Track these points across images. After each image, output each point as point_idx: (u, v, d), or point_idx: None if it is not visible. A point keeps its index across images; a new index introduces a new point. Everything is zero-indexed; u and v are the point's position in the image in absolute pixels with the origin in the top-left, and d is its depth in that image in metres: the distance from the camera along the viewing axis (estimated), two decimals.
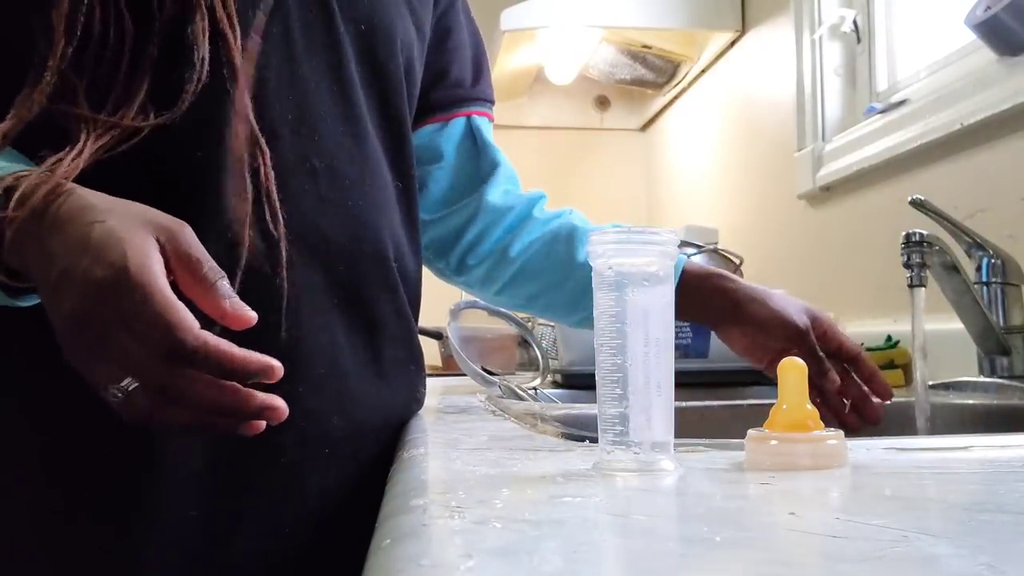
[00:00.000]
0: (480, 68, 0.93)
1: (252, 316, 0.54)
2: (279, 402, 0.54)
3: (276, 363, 0.53)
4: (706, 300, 0.90)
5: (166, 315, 0.50)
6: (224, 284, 0.54)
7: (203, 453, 0.67)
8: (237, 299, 0.54)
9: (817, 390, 0.86)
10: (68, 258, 0.52)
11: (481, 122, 0.94)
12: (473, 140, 0.94)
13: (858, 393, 0.89)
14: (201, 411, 0.53)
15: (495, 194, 0.95)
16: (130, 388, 0.51)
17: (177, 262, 0.53)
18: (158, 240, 0.53)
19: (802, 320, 0.88)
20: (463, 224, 0.95)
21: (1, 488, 0.67)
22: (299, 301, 0.70)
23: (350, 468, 0.74)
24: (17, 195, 0.54)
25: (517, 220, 0.96)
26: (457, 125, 0.92)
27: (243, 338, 0.54)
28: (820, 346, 0.87)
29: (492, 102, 0.95)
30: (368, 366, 0.76)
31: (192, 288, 0.54)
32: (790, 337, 0.87)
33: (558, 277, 0.95)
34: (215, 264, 0.54)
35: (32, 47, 0.62)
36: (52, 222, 0.54)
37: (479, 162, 0.94)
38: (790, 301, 0.90)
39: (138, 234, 0.53)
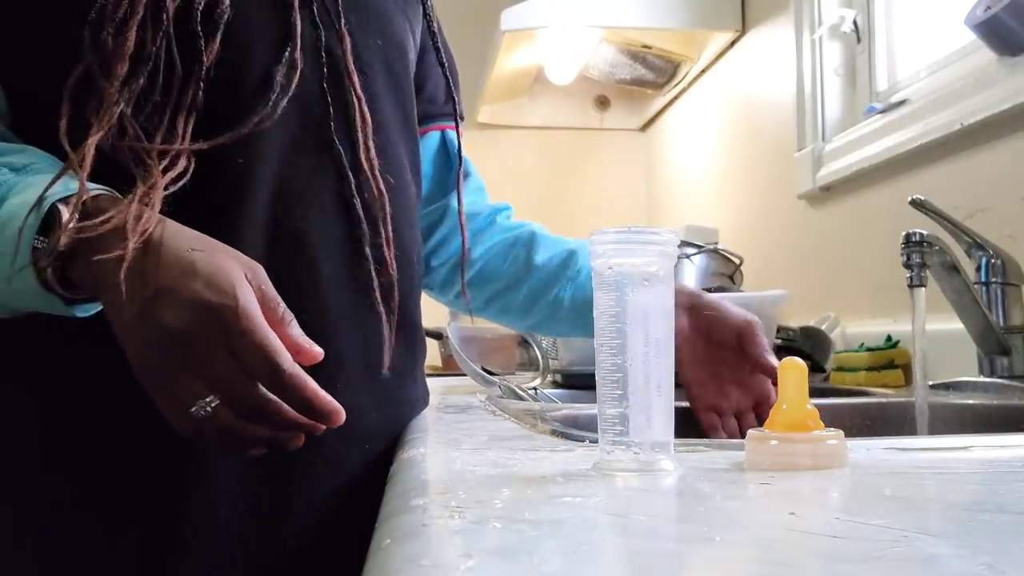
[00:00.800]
0: (452, 85, 0.95)
1: (320, 352, 0.60)
2: (339, 406, 0.59)
3: (341, 409, 0.59)
4: None
5: (271, 345, 0.56)
6: (296, 324, 0.59)
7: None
8: (307, 338, 0.60)
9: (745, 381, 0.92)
10: (171, 278, 0.56)
11: (453, 135, 0.98)
12: (446, 152, 0.98)
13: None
14: (277, 427, 0.58)
15: (466, 202, 0.98)
16: (213, 404, 0.56)
17: (261, 298, 0.58)
18: (245, 276, 0.58)
19: (752, 316, 0.92)
20: (429, 228, 0.99)
21: (45, 488, 0.68)
22: (337, 303, 0.73)
23: (386, 465, 0.75)
24: (111, 224, 0.57)
25: (481, 226, 1.01)
26: (432, 138, 0.96)
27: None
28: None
29: (463, 118, 0.98)
30: (403, 365, 0.79)
31: (271, 323, 0.58)
32: (740, 325, 0.91)
33: (514, 279, 0.99)
34: (286, 306, 0.59)
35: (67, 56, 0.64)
36: (145, 242, 0.57)
37: (450, 172, 0.98)
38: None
39: (238, 268, 0.57)
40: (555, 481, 0.45)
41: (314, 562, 0.72)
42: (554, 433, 0.66)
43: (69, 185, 0.59)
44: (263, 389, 0.56)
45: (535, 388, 1.24)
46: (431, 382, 0.91)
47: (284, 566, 0.70)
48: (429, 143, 0.96)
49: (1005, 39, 1.16)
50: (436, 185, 0.99)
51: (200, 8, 0.66)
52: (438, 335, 1.64)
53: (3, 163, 0.61)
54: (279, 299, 0.59)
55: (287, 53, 0.70)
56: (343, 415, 0.59)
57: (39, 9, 0.66)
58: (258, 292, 0.58)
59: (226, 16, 0.67)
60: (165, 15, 0.65)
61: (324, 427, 0.60)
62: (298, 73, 0.70)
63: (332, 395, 0.60)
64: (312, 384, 0.58)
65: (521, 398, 1.13)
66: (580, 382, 1.34)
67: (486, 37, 2.38)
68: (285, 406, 0.57)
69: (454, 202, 0.98)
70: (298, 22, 0.71)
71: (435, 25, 0.92)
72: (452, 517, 0.37)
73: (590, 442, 0.59)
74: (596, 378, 0.50)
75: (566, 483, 0.45)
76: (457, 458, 0.54)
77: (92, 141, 0.60)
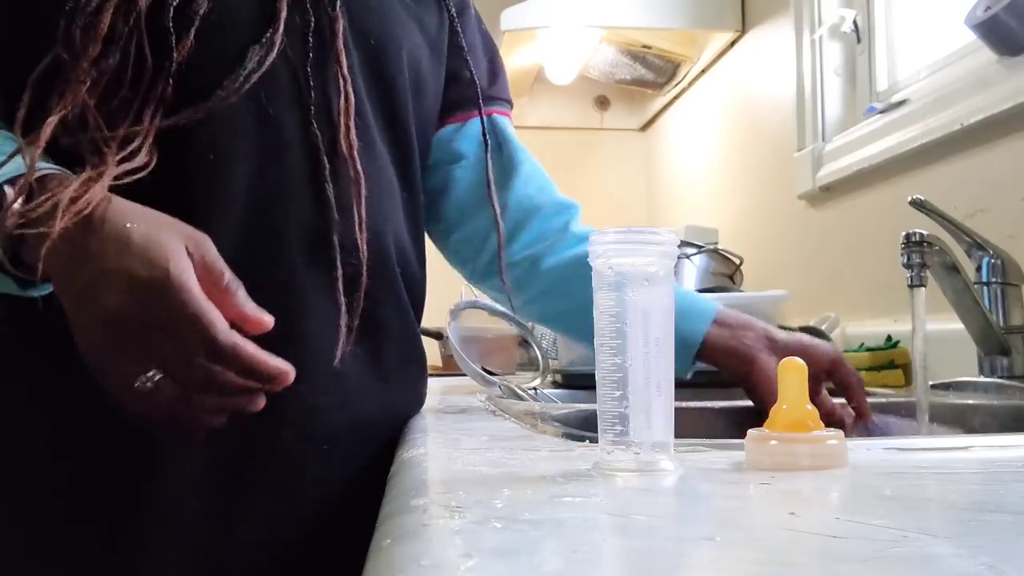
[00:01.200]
0: (496, 71, 0.93)
1: (270, 320, 0.59)
2: (286, 365, 0.59)
3: (290, 368, 0.58)
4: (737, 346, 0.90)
5: (205, 316, 0.55)
6: (243, 292, 0.59)
7: (204, 446, 0.68)
8: (254, 305, 0.59)
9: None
10: (109, 257, 0.56)
11: (502, 121, 0.94)
12: (495, 138, 0.92)
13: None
14: (227, 394, 0.58)
15: (521, 193, 0.93)
16: (156, 379, 0.56)
17: (203, 270, 0.57)
18: (186, 247, 0.57)
19: (831, 349, 0.90)
20: (489, 225, 0.91)
21: (6, 483, 0.68)
22: (304, 301, 0.72)
23: (351, 464, 0.75)
24: (47, 205, 0.56)
25: (549, 228, 0.94)
26: (475, 124, 0.91)
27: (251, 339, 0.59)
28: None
29: (511, 103, 0.95)
30: (369, 365, 0.77)
31: (214, 294, 0.57)
32: (833, 356, 0.89)
33: (590, 303, 0.92)
34: (233, 274, 0.58)
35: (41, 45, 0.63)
36: (85, 222, 0.56)
37: (501, 160, 0.93)
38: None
39: (174, 240, 0.57)
40: (555, 481, 0.45)
41: (269, 563, 0.71)
42: (554, 433, 0.66)
43: (23, 167, 0.59)
44: (203, 360, 0.56)
45: (535, 388, 1.24)
46: (431, 382, 0.91)
47: (244, 566, 0.70)
48: (473, 129, 0.91)
49: (1005, 39, 1.16)
50: (483, 175, 0.91)
51: (174, 4, 0.66)
52: (438, 335, 1.64)
53: None
54: (224, 268, 0.58)
55: (267, 35, 0.69)
56: (292, 374, 0.59)
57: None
58: (200, 263, 0.57)
59: (201, 11, 0.67)
60: (136, 8, 0.64)
61: (279, 389, 0.59)
62: (275, 53, 0.69)
63: (295, 394, 0.60)
64: (250, 350, 0.57)
65: (521, 398, 1.13)
66: (580, 382, 1.34)
67: None
68: (230, 373, 0.57)
69: (515, 195, 0.93)
70: (283, 9, 0.71)
71: (471, 13, 0.91)
72: (452, 517, 0.37)
73: (590, 442, 0.59)
74: (596, 378, 0.50)
75: (566, 483, 0.45)
76: (457, 458, 0.54)
77: (52, 119, 0.60)
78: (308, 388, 0.71)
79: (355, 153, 0.73)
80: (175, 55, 0.66)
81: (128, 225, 0.57)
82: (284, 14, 0.70)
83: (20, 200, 0.57)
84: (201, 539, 0.68)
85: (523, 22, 2.23)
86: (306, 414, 0.71)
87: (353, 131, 0.73)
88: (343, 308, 0.73)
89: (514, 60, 2.51)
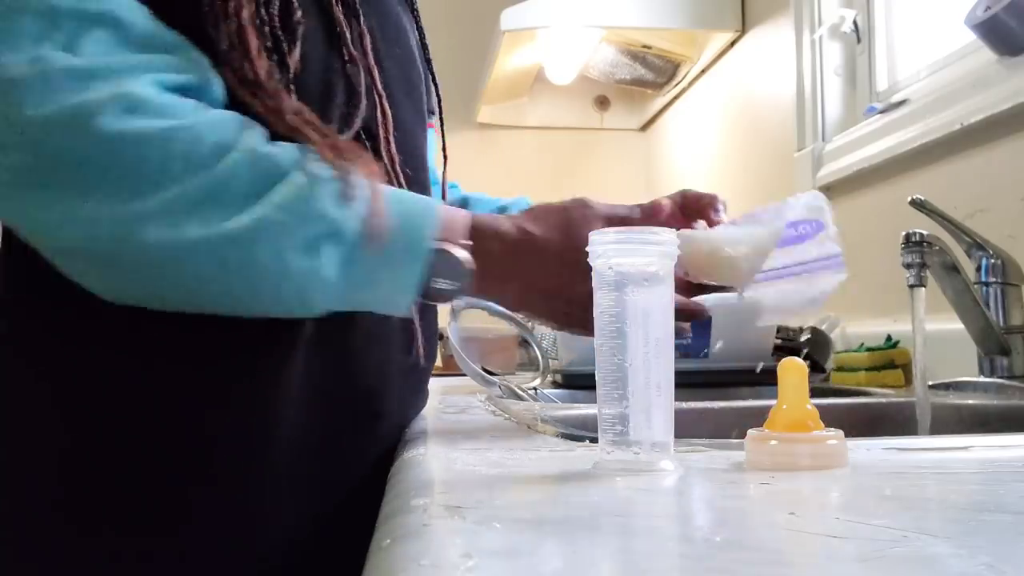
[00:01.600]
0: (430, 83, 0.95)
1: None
2: None
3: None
4: None
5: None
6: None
7: (292, 443, 0.68)
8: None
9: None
10: (559, 279, 0.66)
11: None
12: None
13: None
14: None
15: None
16: None
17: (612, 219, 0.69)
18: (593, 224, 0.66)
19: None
20: None
21: (45, 487, 0.67)
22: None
23: (363, 464, 0.75)
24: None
25: None
26: None
27: (328, 349, 0.67)
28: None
29: (436, 116, 0.97)
30: (416, 367, 0.80)
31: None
32: (674, 203, 0.91)
33: None
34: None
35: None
36: (501, 253, 0.65)
37: None
38: None
39: (587, 227, 0.60)
40: (555, 481, 0.45)
41: (269, 564, 0.71)
42: (554, 433, 0.66)
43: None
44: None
45: (535, 388, 1.24)
46: (431, 382, 0.91)
47: (246, 566, 0.70)
48: None
49: (1005, 39, 1.16)
50: None
51: (278, 14, 0.66)
52: (438, 335, 1.64)
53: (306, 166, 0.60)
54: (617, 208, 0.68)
55: (346, 52, 0.71)
56: None
57: None
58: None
59: (301, 28, 0.66)
60: (268, 16, 0.64)
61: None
62: (362, 72, 0.71)
63: (372, 397, 0.65)
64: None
65: (521, 398, 1.13)
66: (580, 382, 1.34)
67: (486, 37, 2.38)
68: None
69: None
70: (343, 19, 0.71)
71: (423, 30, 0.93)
72: (452, 517, 0.37)
73: (590, 442, 0.59)
74: (596, 378, 0.50)
75: (566, 483, 0.45)
76: (457, 458, 0.54)
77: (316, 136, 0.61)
78: (385, 389, 0.73)
79: (397, 167, 0.74)
80: (290, 64, 0.65)
81: (538, 235, 0.66)
82: (343, 22, 0.71)
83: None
84: (247, 542, 0.68)
85: (523, 22, 2.24)
86: (371, 417, 0.72)
87: (393, 144, 0.74)
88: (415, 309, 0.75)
89: (514, 60, 2.51)
